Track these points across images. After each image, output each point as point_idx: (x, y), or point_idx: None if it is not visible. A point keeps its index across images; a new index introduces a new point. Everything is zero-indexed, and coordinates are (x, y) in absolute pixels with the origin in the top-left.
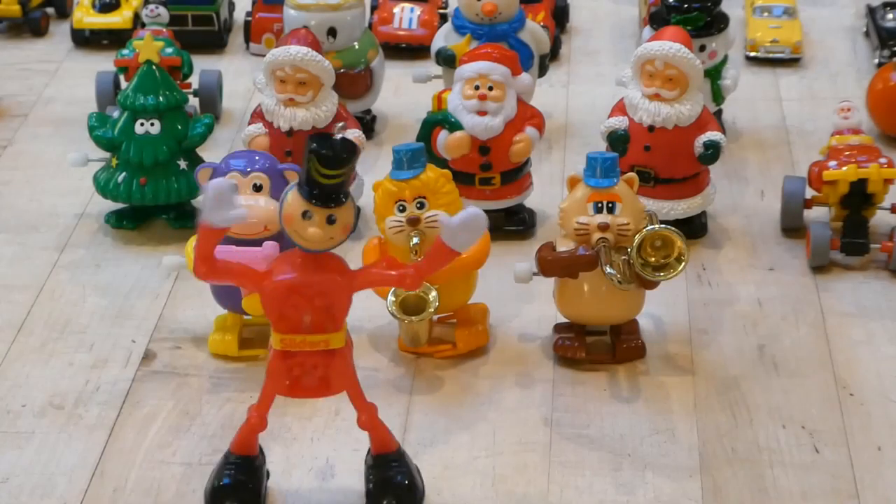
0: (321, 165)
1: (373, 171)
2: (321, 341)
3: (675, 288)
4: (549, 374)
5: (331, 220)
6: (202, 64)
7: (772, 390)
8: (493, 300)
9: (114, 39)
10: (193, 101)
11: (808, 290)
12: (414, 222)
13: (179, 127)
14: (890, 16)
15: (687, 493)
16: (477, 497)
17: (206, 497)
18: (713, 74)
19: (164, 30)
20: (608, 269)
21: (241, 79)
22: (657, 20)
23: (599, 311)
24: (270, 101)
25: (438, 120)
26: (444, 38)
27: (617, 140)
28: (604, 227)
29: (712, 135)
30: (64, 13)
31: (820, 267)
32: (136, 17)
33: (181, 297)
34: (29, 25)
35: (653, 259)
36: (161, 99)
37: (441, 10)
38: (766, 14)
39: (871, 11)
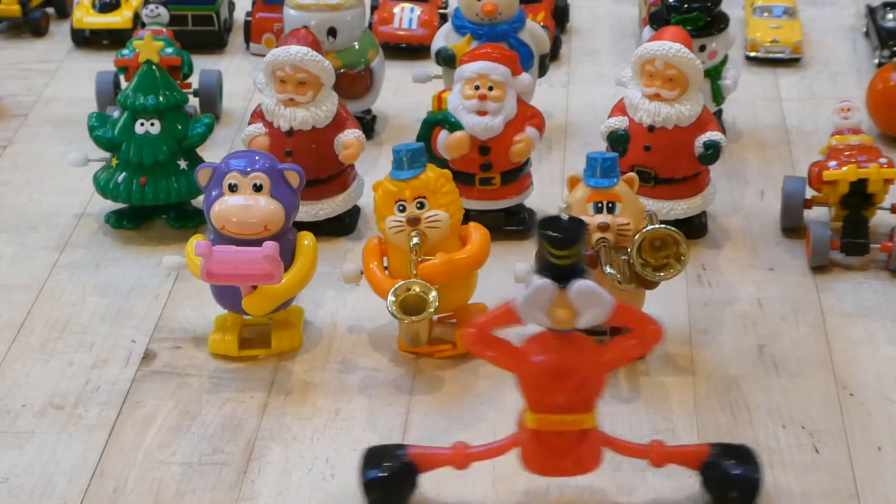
0: (553, 247)
1: (373, 171)
2: (575, 422)
3: (675, 288)
4: None
5: None
6: (202, 64)
7: (772, 390)
8: (493, 300)
9: (114, 39)
10: (193, 101)
11: (808, 290)
12: (414, 222)
13: (179, 127)
14: (890, 16)
15: (687, 493)
16: (477, 497)
17: (361, 471)
18: (713, 74)
19: (164, 30)
20: (608, 269)
21: (241, 79)
22: (657, 20)
23: None
24: (270, 101)
25: (438, 120)
26: (444, 38)
27: (617, 140)
28: (604, 227)
29: (712, 135)
30: (64, 13)
31: (820, 267)
32: (136, 17)
33: (181, 297)
34: (29, 25)
35: (653, 259)
36: (161, 99)
37: (441, 10)
38: (766, 14)
39: (871, 11)
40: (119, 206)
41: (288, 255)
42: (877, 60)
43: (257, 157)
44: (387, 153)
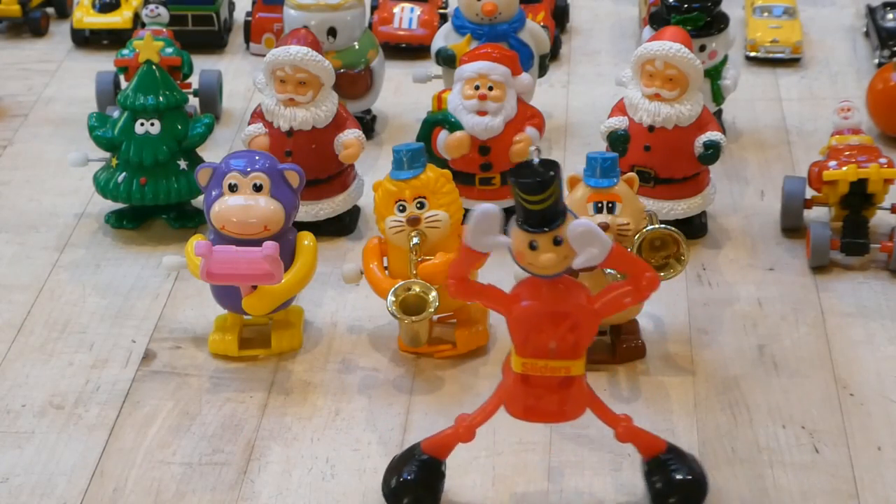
0: (526, 193)
1: (373, 171)
2: (562, 368)
3: (675, 288)
4: None
5: (557, 242)
6: (202, 64)
7: (772, 390)
8: None
9: (114, 39)
10: (193, 101)
11: (808, 290)
12: (414, 222)
13: (179, 127)
14: (890, 16)
15: None
16: (477, 497)
17: (385, 483)
18: (713, 74)
19: (164, 30)
20: (608, 269)
21: (241, 79)
22: (657, 20)
23: None
24: (270, 101)
25: (438, 120)
26: (444, 38)
27: (617, 140)
28: (604, 228)
29: (712, 135)
30: (64, 13)
31: (820, 267)
32: (136, 17)
33: (181, 297)
34: (29, 25)
35: (653, 259)
36: (161, 99)
37: (441, 10)
38: (766, 14)
39: (871, 11)
40: (119, 206)
41: (288, 255)
42: (877, 60)
43: (257, 157)
44: (387, 153)
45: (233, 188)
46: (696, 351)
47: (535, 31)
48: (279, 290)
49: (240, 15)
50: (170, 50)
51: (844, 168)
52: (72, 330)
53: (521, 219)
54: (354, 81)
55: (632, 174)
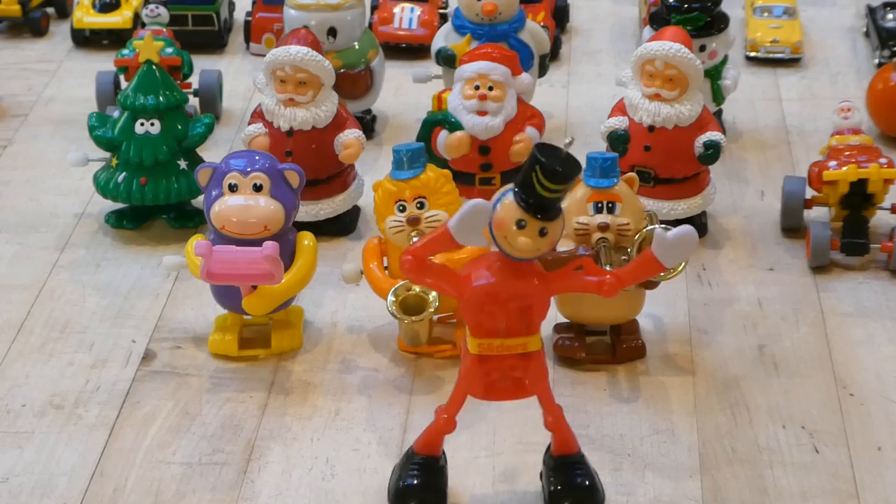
0: (545, 178)
1: (373, 171)
2: (519, 345)
3: (675, 288)
4: (550, 373)
5: (542, 233)
6: (202, 64)
7: (772, 390)
8: None
9: (114, 39)
10: (193, 101)
11: (808, 290)
12: (414, 222)
13: (179, 127)
14: (890, 16)
15: (687, 493)
16: (477, 497)
17: (390, 497)
18: (713, 74)
19: (164, 30)
20: (608, 269)
21: (241, 79)
22: (657, 20)
23: (599, 311)
24: (270, 101)
25: (438, 120)
26: (444, 38)
27: (617, 140)
28: (604, 227)
29: (712, 135)
30: (64, 13)
31: (820, 267)
32: (136, 17)
33: (181, 297)
34: (29, 25)
35: None
36: (161, 99)
37: (441, 10)
38: (766, 14)
39: (871, 11)
40: (119, 206)
41: (288, 255)
42: (877, 60)
43: (257, 157)
44: (387, 153)
45: (233, 188)
46: (696, 351)
47: (535, 31)
48: (279, 290)
49: (240, 15)
50: (170, 50)
51: (844, 168)
52: (72, 330)
53: (524, 195)
54: (354, 81)
55: (632, 174)
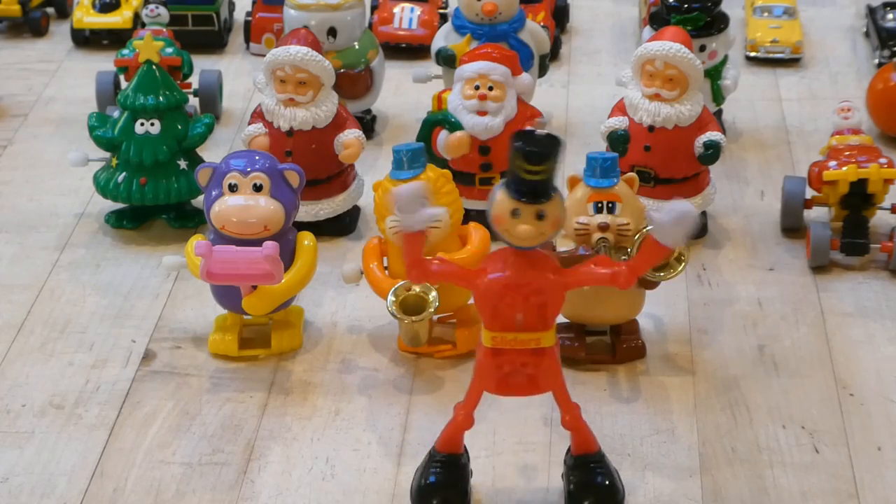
0: (526, 162)
1: (373, 171)
2: (532, 340)
3: (675, 288)
4: None
5: (540, 216)
6: (202, 64)
7: (772, 390)
8: None
9: (114, 39)
10: (193, 101)
11: (808, 290)
12: None
13: (179, 127)
14: (890, 16)
15: (687, 493)
16: (477, 497)
17: (412, 495)
18: (713, 74)
19: (164, 30)
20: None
21: (241, 79)
22: (657, 20)
23: (599, 311)
24: (270, 101)
25: (438, 120)
26: (444, 38)
27: (617, 140)
28: (604, 227)
29: (712, 135)
30: (64, 13)
31: (820, 267)
32: (136, 17)
33: (181, 297)
34: (29, 25)
35: None
36: (161, 99)
37: (441, 10)
38: (766, 14)
39: (871, 11)
40: (119, 206)
41: (288, 255)
42: (877, 60)
43: (257, 157)
44: (387, 153)
45: (233, 188)
46: (696, 351)
47: (535, 31)
48: (279, 290)
49: (240, 15)
50: (170, 50)
51: (844, 168)
52: (72, 330)
53: (512, 185)
54: (354, 81)
55: (632, 174)
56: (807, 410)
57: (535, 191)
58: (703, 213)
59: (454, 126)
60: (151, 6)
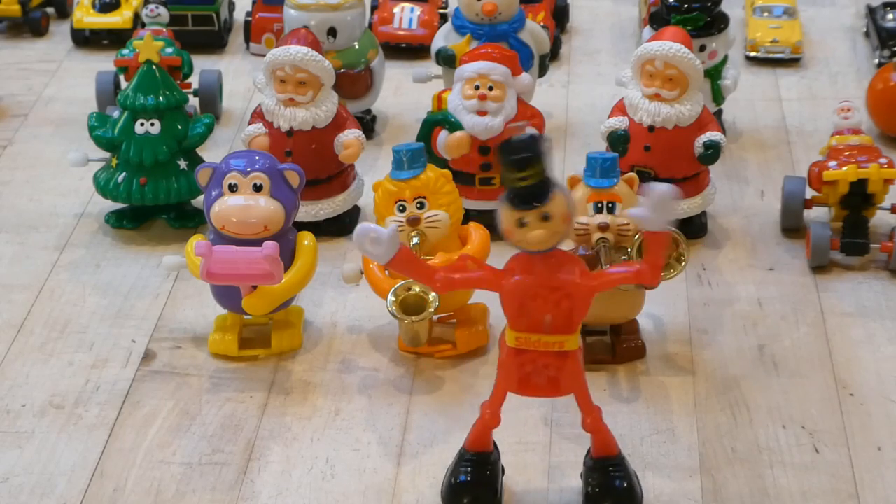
0: (513, 170)
1: (373, 171)
2: (556, 342)
3: (675, 288)
4: None
5: (546, 217)
6: (202, 64)
7: (772, 390)
8: (493, 300)
9: (114, 39)
10: (193, 101)
11: (808, 290)
12: (414, 222)
13: (179, 127)
14: (890, 16)
15: (687, 493)
16: None
17: (443, 494)
18: (713, 74)
19: (164, 30)
20: (606, 269)
21: (241, 79)
22: (657, 20)
23: (599, 311)
24: (270, 101)
25: (438, 120)
26: (444, 38)
27: (617, 140)
28: (604, 227)
29: (712, 135)
30: (64, 13)
31: (820, 267)
32: (136, 17)
33: (181, 297)
34: (29, 25)
35: None
36: (161, 99)
37: (441, 10)
38: (766, 14)
39: (871, 11)
40: (119, 206)
41: (288, 255)
42: (877, 60)
43: (257, 157)
44: (387, 153)
45: (233, 188)
46: (696, 351)
47: (535, 31)
48: (279, 290)
49: (240, 15)
50: (170, 50)
51: (844, 168)
52: (72, 330)
53: (508, 195)
54: (354, 81)
55: (632, 174)
56: (807, 410)
57: (532, 195)
58: (703, 213)
59: (454, 126)
60: (151, 6)
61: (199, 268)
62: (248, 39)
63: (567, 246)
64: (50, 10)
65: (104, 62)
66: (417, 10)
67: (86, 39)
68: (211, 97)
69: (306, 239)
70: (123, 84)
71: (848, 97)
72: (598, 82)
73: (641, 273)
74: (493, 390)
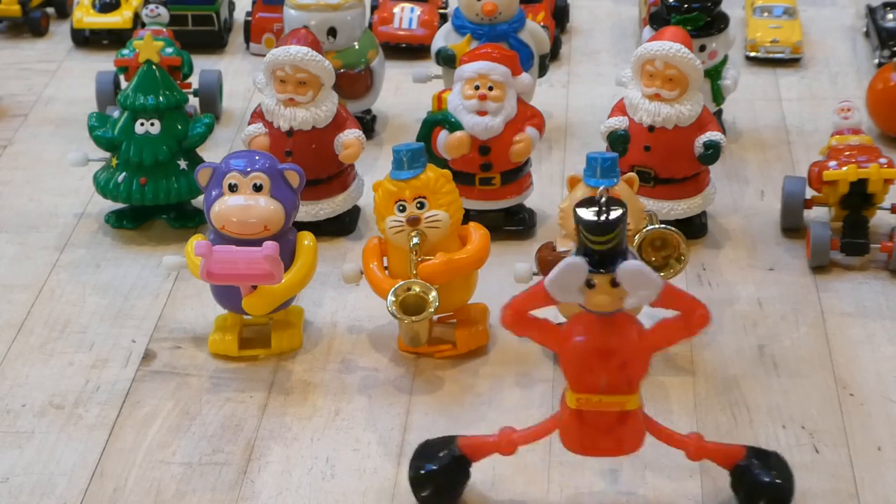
0: (591, 233)
1: (373, 171)
2: (616, 402)
3: None
4: (549, 374)
5: (615, 283)
6: (202, 64)
7: (772, 390)
8: (493, 300)
9: (114, 39)
10: (193, 101)
11: (808, 290)
12: (414, 222)
13: (179, 127)
14: (890, 16)
15: (687, 493)
16: (477, 497)
17: (412, 472)
18: (713, 74)
19: (164, 30)
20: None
21: (241, 79)
22: (657, 20)
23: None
24: (270, 101)
25: (438, 120)
26: (444, 38)
27: (617, 140)
28: None
29: (712, 135)
30: (64, 13)
31: (820, 267)
32: (136, 17)
33: (181, 297)
34: (29, 25)
35: (653, 259)
36: (161, 99)
37: (441, 10)
38: (766, 14)
39: (871, 11)
40: (119, 206)
41: (288, 255)
42: (877, 60)
43: (257, 157)
44: (387, 153)
45: (233, 188)
46: (696, 351)
47: (535, 31)
48: (279, 290)
49: (240, 15)
50: (170, 50)
51: (844, 168)
52: (72, 330)
53: (582, 255)
54: (354, 81)
55: (632, 174)
56: (807, 410)
57: (605, 260)
58: (703, 213)
59: (454, 126)
60: (151, 6)
61: (199, 268)
62: (248, 39)
63: (567, 245)
64: (50, 10)
65: (104, 62)
66: (417, 10)
67: (86, 39)
68: (211, 97)
69: (306, 239)
70: (123, 84)
71: (848, 97)
72: (598, 82)
73: (691, 326)
74: (532, 432)
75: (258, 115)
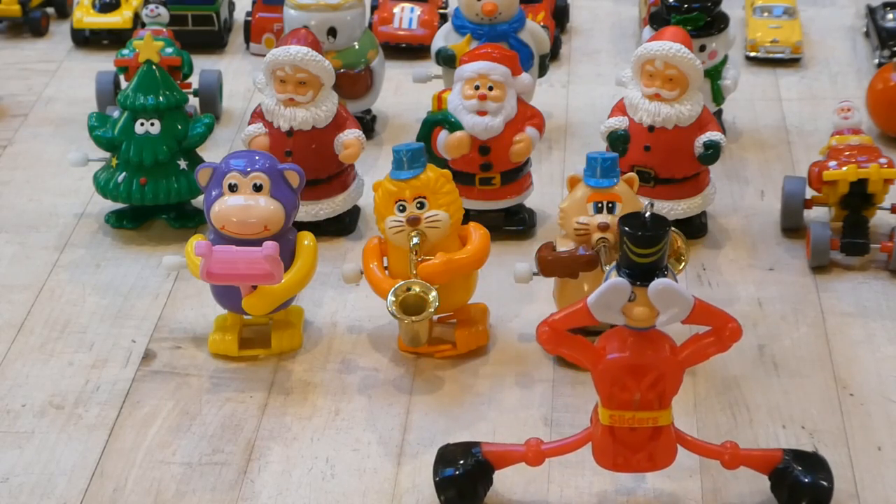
0: (636, 246)
1: (373, 171)
2: (650, 418)
3: None
4: (549, 374)
5: None
6: (202, 64)
7: (772, 390)
8: (493, 300)
9: (114, 39)
10: (193, 101)
11: (808, 290)
12: (414, 222)
13: (179, 127)
14: (890, 16)
15: (687, 493)
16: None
17: (437, 474)
18: (713, 74)
19: (164, 30)
20: (606, 269)
21: (241, 79)
22: (657, 20)
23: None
24: (270, 101)
25: (438, 120)
26: (444, 38)
27: (617, 140)
28: (604, 227)
29: (712, 135)
30: (64, 13)
31: (820, 267)
32: (136, 17)
33: (181, 297)
34: (29, 25)
35: None
36: (161, 99)
37: (441, 10)
38: (766, 14)
39: (871, 11)
40: (119, 206)
41: (288, 255)
42: (877, 60)
43: (257, 157)
44: (387, 153)
45: (233, 188)
46: None
47: (535, 31)
48: (279, 290)
49: (240, 15)
50: (170, 50)
51: (844, 168)
52: (72, 330)
53: (625, 268)
54: (354, 81)
55: (632, 174)
56: (807, 410)
57: (648, 273)
58: (703, 213)
59: (454, 126)
60: (151, 6)
61: (199, 268)
62: (248, 39)
63: (567, 245)
64: (50, 10)
65: (104, 62)
66: (417, 10)
67: (86, 39)
68: (211, 97)
69: (306, 239)
70: (123, 84)
71: (848, 97)
72: (598, 82)
73: (724, 340)
74: (562, 445)
75: (258, 115)
